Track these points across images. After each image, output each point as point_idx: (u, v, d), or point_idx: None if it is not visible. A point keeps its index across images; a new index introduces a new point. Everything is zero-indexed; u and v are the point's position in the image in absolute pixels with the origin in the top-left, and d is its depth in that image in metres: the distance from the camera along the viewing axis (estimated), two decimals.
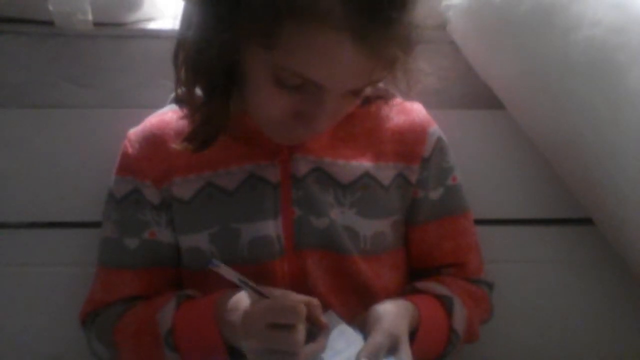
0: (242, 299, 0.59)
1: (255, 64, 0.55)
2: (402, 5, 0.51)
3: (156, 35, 0.82)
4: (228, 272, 0.55)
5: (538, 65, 0.70)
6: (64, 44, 0.81)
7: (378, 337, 0.58)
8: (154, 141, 0.68)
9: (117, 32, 0.82)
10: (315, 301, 0.58)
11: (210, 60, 0.56)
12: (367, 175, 0.68)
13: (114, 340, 0.67)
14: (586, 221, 0.82)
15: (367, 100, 0.69)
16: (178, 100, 0.64)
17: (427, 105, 0.73)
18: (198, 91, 0.61)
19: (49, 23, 0.79)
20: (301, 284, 0.66)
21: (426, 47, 0.83)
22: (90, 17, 0.78)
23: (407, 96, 0.70)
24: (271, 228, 0.66)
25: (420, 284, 0.70)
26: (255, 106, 0.60)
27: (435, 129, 0.71)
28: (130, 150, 0.69)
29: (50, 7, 0.77)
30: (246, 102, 0.61)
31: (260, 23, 0.51)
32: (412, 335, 0.63)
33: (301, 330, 0.54)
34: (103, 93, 0.82)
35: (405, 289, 0.72)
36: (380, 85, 0.70)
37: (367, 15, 0.49)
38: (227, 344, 0.59)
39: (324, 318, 0.63)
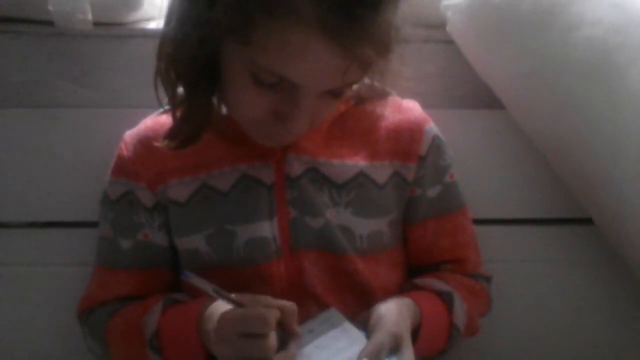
0: (219, 307, 0.59)
1: (233, 61, 0.56)
2: (376, 5, 0.51)
3: (156, 35, 0.81)
4: (201, 283, 0.54)
5: (538, 65, 0.70)
6: (64, 44, 0.81)
7: (380, 337, 0.58)
8: (149, 144, 0.68)
9: (117, 32, 0.82)
10: (291, 307, 0.57)
11: (189, 56, 0.56)
12: (362, 174, 0.68)
13: (106, 339, 0.68)
14: (586, 221, 0.82)
15: (362, 99, 0.69)
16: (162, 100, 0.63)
17: (427, 105, 0.73)
18: (181, 89, 0.61)
19: (49, 23, 0.79)
20: (298, 285, 0.66)
21: (426, 47, 0.84)
22: (90, 17, 0.78)
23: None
24: (267, 229, 0.66)
25: (420, 281, 0.70)
26: (234, 104, 0.60)
27: (431, 127, 0.71)
28: (125, 152, 0.69)
29: (50, 7, 0.77)
30: (226, 100, 0.61)
31: (234, 19, 0.51)
32: (415, 333, 0.63)
33: (272, 338, 0.54)
34: (103, 93, 0.82)
35: (404, 286, 0.72)
36: (375, 84, 0.70)
37: (338, 13, 0.49)
38: (207, 351, 0.60)
39: (325, 316, 0.63)
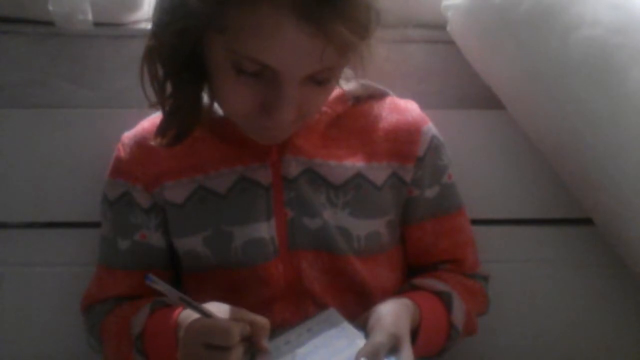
0: (190, 315, 0.58)
1: (214, 52, 0.56)
2: None
3: None
4: (166, 289, 0.53)
5: (538, 65, 0.70)
6: (64, 44, 0.81)
7: (378, 338, 0.57)
8: (146, 145, 0.68)
9: (117, 32, 0.82)
10: (261, 322, 0.56)
11: (172, 48, 0.56)
12: (359, 175, 0.67)
13: (100, 336, 0.69)
14: (586, 221, 0.82)
15: (359, 100, 0.69)
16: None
17: (427, 105, 0.73)
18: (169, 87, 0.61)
19: (49, 23, 0.79)
20: (296, 285, 0.66)
21: (426, 47, 0.84)
22: (90, 17, 0.78)
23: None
24: (264, 230, 0.66)
25: (418, 281, 0.70)
26: (222, 97, 0.60)
27: (429, 127, 0.71)
28: (122, 153, 0.70)
29: (50, 7, 0.77)
30: (215, 95, 0.62)
31: (207, 6, 0.51)
32: (414, 333, 0.63)
33: (236, 352, 0.53)
34: (103, 93, 0.82)
35: (403, 287, 0.72)
36: (369, 83, 0.70)
37: None
38: None
39: (323, 315, 0.63)
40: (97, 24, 0.79)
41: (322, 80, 0.57)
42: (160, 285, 0.52)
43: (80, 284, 0.75)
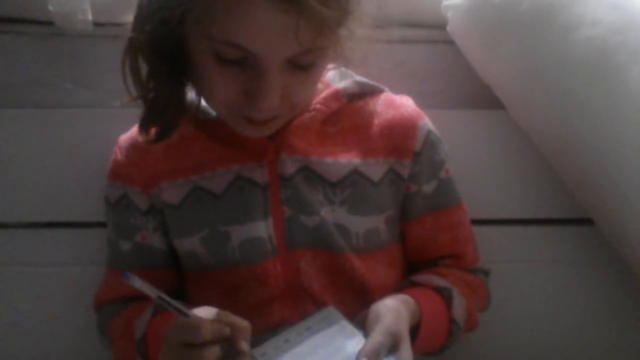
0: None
1: (195, 44, 0.56)
2: None
3: None
4: (144, 287, 0.52)
5: (538, 65, 0.70)
6: (64, 44, 0.81)
7: (378, 337, 0.57)
8: (142, 147, 0.68)
9: (117, 32, 0.81)
10: (240, 324, 0.55)
11: (152, 42, 0.56)
12: (355, 172, 0.67)
13: (109, 337, 0.70)
14: (586, 221, 0.82)
15: (354, 97, 0.69)
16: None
17: (427, 105, 0.73)
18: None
19: (49, 23, 0.79)
20: (295, 284, 0.66)
21: (426, 47, 0.84)
22: (90, 17, 0.78)
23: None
24: (262, 229, 0.65)
25: (418, 277, 0.70)
26: (206, 91, 0.61)
27: (425, 122, 0.70)
28: (119, 156, 0.70)
29: (50, 7, 0.77)
30: (200, 89, 0.62)
31: None
32: (414, 329, 0.63)
33: (210, 351, 0.53)
34: (103, 93, 0.82)
35: (403, 283, 0.71)
36: (364, 79, 0.70)
37: None
38: None
39: (322, 314, 0.63)
40: (97, 24, 0.79)
41: (305, 65, 0.57)
42: (138, 283, 0.51)
43: (80, 283, 0.75)
